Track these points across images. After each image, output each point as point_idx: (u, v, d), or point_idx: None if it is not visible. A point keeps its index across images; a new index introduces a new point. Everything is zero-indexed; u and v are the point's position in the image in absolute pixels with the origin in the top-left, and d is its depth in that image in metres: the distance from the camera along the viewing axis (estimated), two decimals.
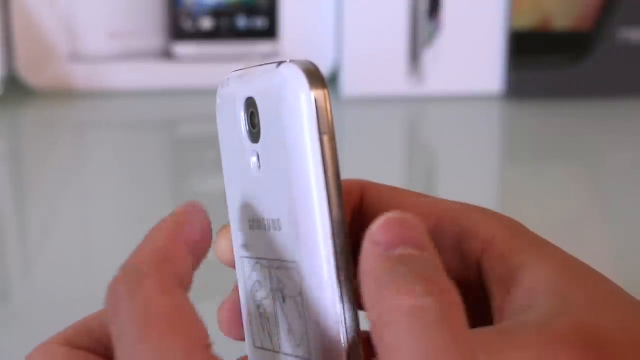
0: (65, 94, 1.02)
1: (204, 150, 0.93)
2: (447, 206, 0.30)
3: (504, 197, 0.82)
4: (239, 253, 0.30)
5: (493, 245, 0.28)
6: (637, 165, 0.89)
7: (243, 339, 0.30)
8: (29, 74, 1.01)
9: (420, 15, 1.01)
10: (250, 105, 0.28)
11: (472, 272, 0.29)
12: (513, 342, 0.25)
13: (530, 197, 0.80)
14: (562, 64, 1.04)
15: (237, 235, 0.30)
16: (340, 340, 0.26)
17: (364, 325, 0.26)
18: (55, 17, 1.02)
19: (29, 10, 1.00)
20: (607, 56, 1.02)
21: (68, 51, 1.03)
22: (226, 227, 0.30)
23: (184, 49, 1.03)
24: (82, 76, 1.03)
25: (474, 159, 0.90)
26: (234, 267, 0.30)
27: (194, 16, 1.03)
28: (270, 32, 1.04)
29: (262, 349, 0.29)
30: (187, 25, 1.03)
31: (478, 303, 0.29)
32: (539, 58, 1.05)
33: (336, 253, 0.26)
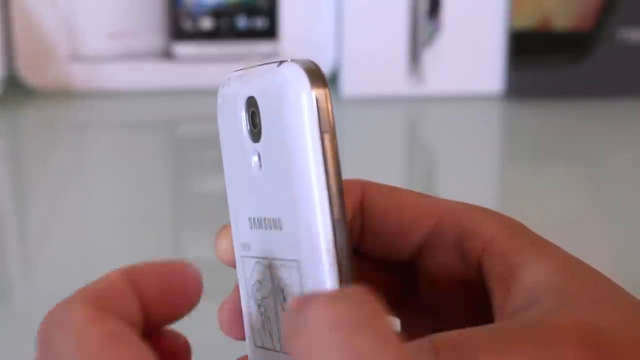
0: (65, 94, 1.02)
1: (204, 150, 0.93)
2: (448, 206, 0.30)
3: (504, 197, 0.82)
4: (240, 252, 0.30)
5: (493, 244, 0.28)
6: (637, 165, 0.89)
7: (243, 339, 0.30)
8: (29, 74, 1.01)
9: (420, 15, 1.01)
10: (251, 105, 0.28)
11: (473, 271, 0.29)
12: (513, 340, 0.25)
13: (530, 197, 0.80)
14: (562, 64, 1.04)
15: (237, 235, 0.30)
16: None
17: None
18: (55, 17, 1.02)
19: (29, 10, 1.00)
20: (607, 56, 1.02)
21: (68, 51, 1.03)
22: (226, 226, 0.30)
23: (184, 49, 1.03)
24: (82, 76, 1.02)
25: (474, 159, 0.90)
26: (234, 266, 0.30)
27: (194, 16, 1.03)
28: (270, 32, 1.04)
29: (263, 348, 0.29)
30: (187, 25, 1.03)
31: (479, 302, 0.29)
32: (539, 58, 1.05)
33: (337, 251, 0.26)
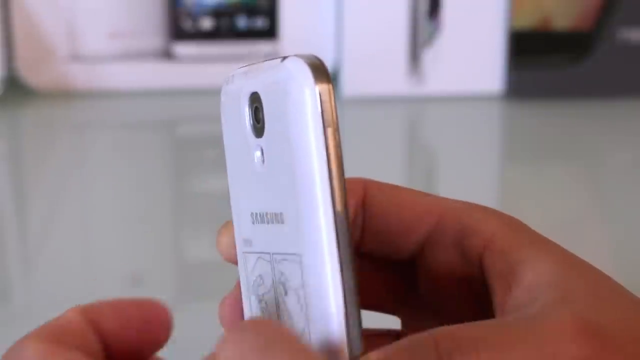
0: (65, 94, 1.02)
1: (204, 150, 0.93)
2: (448, 204, 0.30)
3: (504, 197, 0.82)
4: (241, 248, 0.30)
5: (494, 241, 0.29)
6: (637, 165, 0.89)
7: None
8: (29, 74, 1.01)
9: (420, 15, 1.01)
10: (255, 100, 0.28)
11: (474, 269, 0.29)
12: (513, 334, 0.25)
13: (530, 197, 0.80)
14: (562, 64, 1.04)
15: (239, 231, 0.30)
16: (341, 333, 0.26)
17: (366, 319, 0.26)
18: (55, 17, 1.02)
19: (29, 10, 1.00)
20: (607, 56, 1.02)
21: (68, 51, 1.03)
22: (228, 223, 0.30)
23: (184, 49, 1.03)
24: (81, 76, 1.02)
25: (474, 159, 0.90)
26: (235, 263, 0.30)
27: (194, 16, 1.03)
28: (270, 32, 1.04)
29: None
30: (187, 25, 1.03)
31: (479, 299, 0.29)
32: (539, 58, 1.05)
33: (338, 244, 0.26)
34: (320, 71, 0.26)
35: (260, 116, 0.28)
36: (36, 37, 1.01)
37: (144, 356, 0.28)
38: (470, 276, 0.29)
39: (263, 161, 0.28)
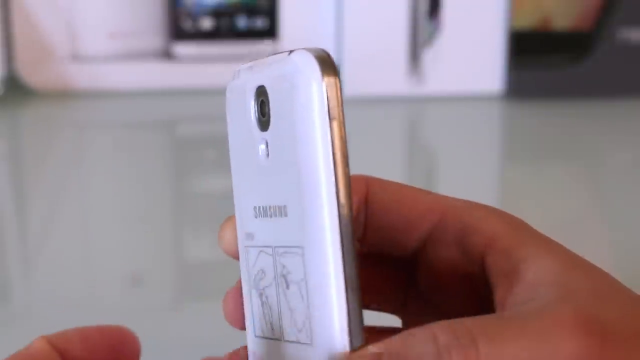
0: (65, 94, 1.02)
1: (204, 150, 0.93)
2: (450, 202, 0.30)
3: (504, 197, 0.82)
4: (243, 242, 0.30)
5: (496, 240, 0.29)
6: (637, 165, 0.89)
7: None
8: (29, 74, 1.01)
9: (420, 15, 1.01)
10: (261, 94, 0.28)
11: (475, 267, 0.29)
12: (513, 327, 0.25)
13: (530, 197, 0.80)
14: (562, 64, 1.04)
15: (242, 225, 0.30)
16: (343, 324, 0.26)
17: (366, 319, 0.26)
18: (55, 17, 1.02)
19: (29, 10, 1.00)
20: (607, 56, 1.02)
21: (68, 51, 1.03)
22: (231, 218, 0.30)
23: (184, 49, 1.03)
24: (82, 76, 1.02)
25: (474, 159, 0.90)
26: (237, 258, 0.30)
27: (194, 16, 1.03)
28: (270, 32, 1.04)
29: (263, 337, 0.29)
30: (187, 25, 1.03)
31: (480, 298, 0.29)
32: (539, 58, 1.05)
33: (341, 235, 0.26)
34: (328, 64, 0.26)
35: (266, 110, 0.28)
36: (36, 37, 1.01)
37: None
38: (471, 274, 0.29)
39: (267, 154, 0.28)
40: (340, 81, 0.26)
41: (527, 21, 1.05)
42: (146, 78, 1.03)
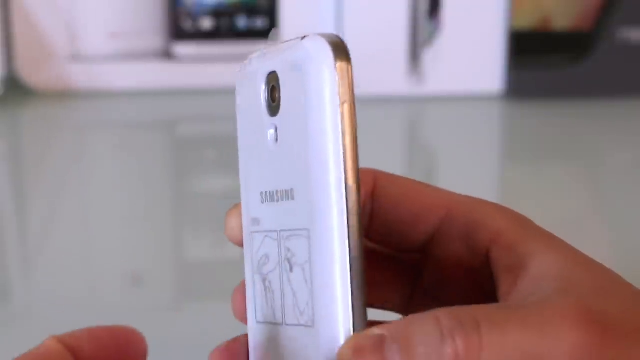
0: (65, 94, 1.02)
1: (204, 150, 0.93)
2: (457, 198, 0.31)
3: (504, 197, 0.82)
4: (249, 228, 0.30)
5: (501, 236, 0.29)
6: (637, 165, 0.89)
7: None
8: (29, 74, 1.01)
9: (420, 15, 1.01)
10: (272, 80, 0.28)
11: (480, 262, 0.29)
12: (516, 316, 0.25)
13: (530, 197, 0.80)
14: (562, 64, 1.04)
15: (247, 211, 0.30)
16: (346, 306, 0.26)
17: (369, 313, 0.26)
18: (55, 17, 1.02)
19: (29, 10, 1.00)
20: (607, 56, 1.02)
21: (68, 51, 1.03)
22: (237, 206, 0.30)
23: (184, 49, 1.03)
24: (82, 76, 1.03)
25: (474, 159, 0.90)
26: (242, 246, 0.30)
27: (194, 16, 1.03)
28: (270, 32, 1.04)
29: (264, 322, 0.29)
30: (187, 25, 1.03)
31: (485, 293, 0.29)
32: (539, 58, 1.05)
33: (348, 215, 0.26)
34: (341, 49, 0.26)
35: (277, 95, 0.28)
36: (36, 37, 1.01)
37: None
38: (476, 269, 0.30)
39: (276, 139, 0.28)
40: (352, 67, 0.26)
41: (527, 21, 1.05)
42: (146, 78, 1.03)
